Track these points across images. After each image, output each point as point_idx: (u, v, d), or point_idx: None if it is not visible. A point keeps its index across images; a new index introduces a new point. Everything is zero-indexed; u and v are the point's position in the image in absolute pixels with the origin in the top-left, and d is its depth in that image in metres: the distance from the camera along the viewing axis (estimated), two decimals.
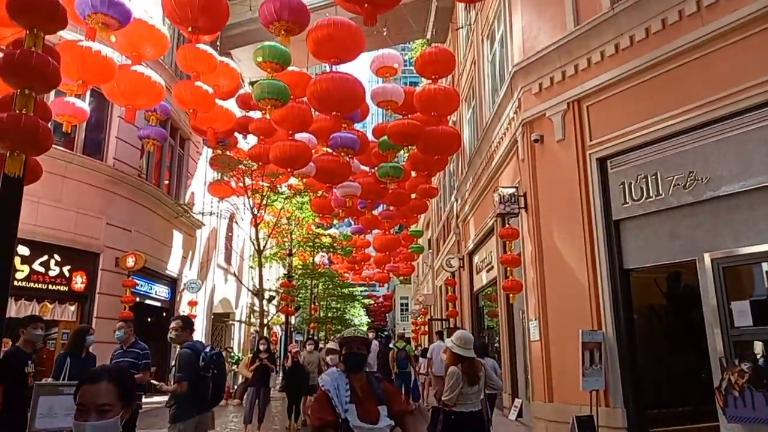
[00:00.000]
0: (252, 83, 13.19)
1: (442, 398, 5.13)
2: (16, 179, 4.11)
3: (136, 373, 6.14)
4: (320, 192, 15.68)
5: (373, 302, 55.04)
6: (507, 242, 9.76)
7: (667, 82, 6.90)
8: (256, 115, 11.64)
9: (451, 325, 17.26)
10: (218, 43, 11.28)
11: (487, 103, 12.65)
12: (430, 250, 26.46)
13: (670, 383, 8.09)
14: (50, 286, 11.63)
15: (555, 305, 8.19)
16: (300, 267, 27.76)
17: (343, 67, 8.57)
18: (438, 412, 5.60)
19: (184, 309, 17.20)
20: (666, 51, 6.82)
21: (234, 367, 17.19)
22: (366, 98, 9.49)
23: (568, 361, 7.45)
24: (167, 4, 6.71)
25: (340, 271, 30.54)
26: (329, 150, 11.40)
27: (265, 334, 16.54)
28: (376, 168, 12.84)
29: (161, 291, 16.01)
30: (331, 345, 7.23)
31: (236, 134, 12.86)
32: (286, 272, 23.19)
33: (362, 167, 13.47)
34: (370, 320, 52.67)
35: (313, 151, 11.37)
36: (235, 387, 16.21)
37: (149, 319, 15.66)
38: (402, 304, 54.99)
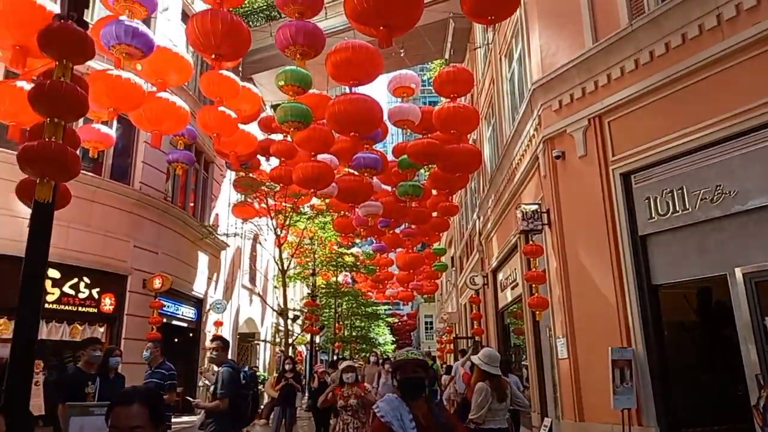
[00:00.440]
0: (273, 107, 13.41)
1: (470, 416, 5.07)
2: (46, 205, 4.23)
3: (162, 393, 6.18)
4: (342, 212, 15.75)
5: (397, 321, 54.79)
6: (531, 259, 9.66)
7: (690, 96, 6.82)
8: (277, 137, 11.82)
9: (481, 344, 17.05)
10: (240, 69, 11.52)
11: (507, 121, 12.64)
12: (454, 268, 26.28)
13: (704, 401, 7.85)
14: (80, 308, 11.84)
15: (582, 322, 8.06)
16: (324, 286, 27.81)
17: (363, 88, 8.67)
18: None
19: (210, 329, 17.34)
20: (687, 65, 6.76)
21: (260, 386, 17.22)
22: (384, 118, 9.57)
23: (598, 379, 7.31)
24: (191, 32, 6.89)
25: (363, 290, 30.49)
26: (351, 170, 11.49)
27: (290, 354, 16.56)
28: (395, 187, 12.88)
29: (188, 312, 16.18)
30: (348, 363, 7.21)
31: (258, 156, 13.05)
32: (309, 292, 23.23)
33: (383, 186, 13.53)
34: (394, 339, 52.34)
35: (335, 171, 11.49)
36: (261, 407, 16.22)
37: (176, 340, 15.82)
38: (426, 323, 54.58)
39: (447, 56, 19.16)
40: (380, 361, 13.71)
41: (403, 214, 13.91)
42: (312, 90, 9.58)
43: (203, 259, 17.18)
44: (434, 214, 14.82)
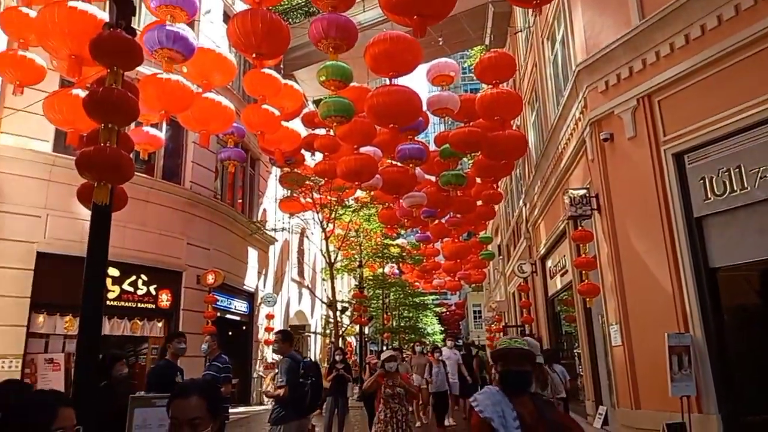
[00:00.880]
0: (315, 102, 13.54)
1: None
2: (104, 207, 4.43)
3: (219, 385, 6.39)
4: (387, 204, 15.81)
5: (445, 310, 54.64)
6: (581, 245, 9.46)
7: (745, 70, 6.50)
8: (320, 132, 11.95)
9: (527, 332, 16.87)
10: (282, 67, 11.68)
11: (552, 105, 12.37)
12: (501, 257, 25.99)
13: None
14: (139, 305, 12.36)
15: (636, 308, 7.85)
16: (371, 278, 28.02)
17: (404, 78, 8.64)
18: None
19: (262, 322, 17.79)
20: (741, 38, 6.44)
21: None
22: (422, 108, 9.52)
23: (654, 366, 7.11)
24: (232, 32, 7.04)
25: (410, 280, 30.56)
26: (394, 162, 11.50)
27: (340, 345, 16.80)
28: (438, 177, 12.82)
29: (240, 305, 16.63)
30: (390, 352, 7.34)
31: (303, 152, 13.23)
32: (357, 283, 23.47)
33: (426, 176, 13.49)
34: (443, 329, 52.29)
35: (378, 163, 11.52)
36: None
37: (230, 333, 16.30)
38: (475, 312, 54.24)
39: (487, 42, 18.85)
40: (429, 350, 13.71)
41: (448, 203, 13.83)
42: (352, 83, 9.63)
43: (253, 254, 17.60)
44: (479, 202, 14.67)
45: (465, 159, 13.55)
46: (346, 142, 10.21)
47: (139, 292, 12.39)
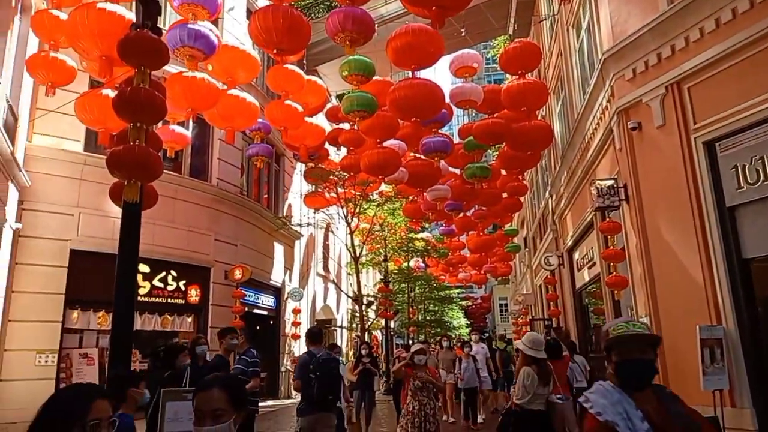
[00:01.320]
0: (339, 96, 13.57)
1: (516, 399, 5.20)
2: (134, 204, 4.53)
3: (246, 379, 6.48)
4: (411, 197, 15.79)
5: (471, 304, 54.42)
6: (608, 237, 9.32)
7: None
8: (345, 126, 11.98)
9: (554, 325, 16.72)
10: (305, 62, 11.74)
11: (578, 94, 12.18)
12: (527, 249, 25.77)
13: None
14: (169, 300, 12.61)
15: (667, 300, 7.71)
16: (396, 272, 28.06)
17: (426, 70, 8.58)
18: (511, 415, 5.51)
19: (289, 317, 17.98)
20: None
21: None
22: (445, 101, 9.46)
23: (686, 360, 6.97)
24: (253, 29, 7.10)
25: (435, 274, 30.51)
26: (418, 155, 11.48)
27: (366, 339, 16.88)
28: (463, 169, 12.75)
29: (267, 300, 16.82)
30: (419, 345, 7.41)
31: (326, 146, 13.28)
32: (382, 277, 23.53)
33: (450, 169, 13.43)
34: (468, 322, 52.11)
35: (402, 156, 11.52)
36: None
37: (258, 327, 16.51)
38: (501, 305, 53.86)
39: (511, 31, 18.62)
40: (458, 345, 13.61)
41: (473, 196, 13.75)
42: (375, 77, 9.62)
43: (279, 249, 17.77)
44: (504, 194, 14.56)
45: (489, 151, 13.45)
46: (370, 136, 10.23)
47: (169, 288, 12.62)
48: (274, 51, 7.40)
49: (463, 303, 47.69)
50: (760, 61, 6.53)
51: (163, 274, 12.51)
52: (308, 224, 19.10)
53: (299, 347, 17.90)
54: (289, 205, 19.29)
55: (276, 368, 17.20)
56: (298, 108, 8.84)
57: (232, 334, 6.51)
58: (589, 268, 12.82)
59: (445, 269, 26.77)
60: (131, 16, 6.30)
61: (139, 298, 11.48)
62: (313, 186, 17.01)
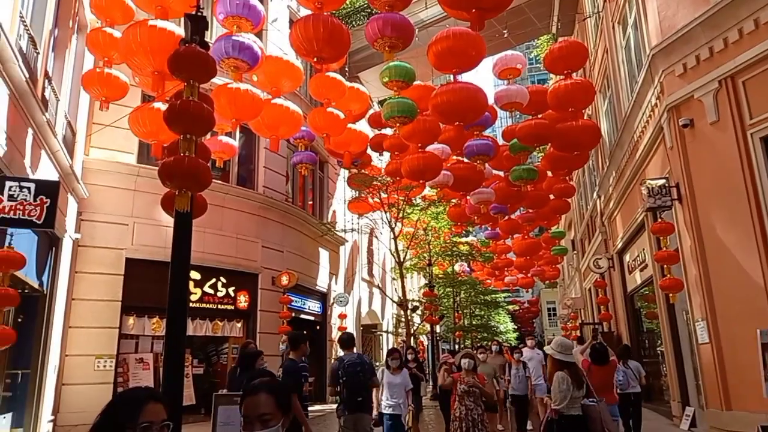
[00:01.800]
0: (380, 102, 13.64)
1: (554, 405, 5.11)
2: (185, 214, 4.67)
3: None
4: (454, 201, 15.70)
5: (518, 308, 53.54)
6: (661, 238, 9.02)
7: None
8: (388, 132, 12.03)
9: (605, 330, 16.27)
10: (347, 69, 11.85)
11: (625, 92, 11.86)
12: (575, 252, 25.19)
13: None
14: (219, 306, 12.91)
15: (724, 303, 7.40)
16: (441, 276, 27.90)
17: (468, 72, 8.54)
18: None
19: (335, 322, 18.13)
20: None
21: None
22: (489, 103, 9.36)
23: (746, 365, 6.68)
24: (295, 38, 7.24)
25: (481, 278, 30.18)
26: (461, 158, 11.41)
27: (412, 344, 16.84)
28: (508, 172, 12.58)
29: (313, 306, 17.02)
30: (467, 350, 7.44)
31: (369, 152, 13.37)
32: (427, 282, 23.46)
33: (495, 172, 13.28)
34: (515, 327, 51.28)
35: (446, 160, 11.48)
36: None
37: (305, 332, 16.68)
38: (549, 309, 52.78)
39: (554, 30, 18.31)
40: (507, 349, 13.29)
41: (518, 198, 13.56)
42: (417, 81, 9.63)
43: (324, 255, 17.96)
44: (551, 196, 14.29)
45: (534, 152, 13.24)
46: (411, 141, 10.23)
47: (219, 294, 12.92)
48: (315, 60, 7.52)
49: (510, 307, 46.94)
50: None
51: (213, 280, 12.82)
52: (352, 230, 19.24)
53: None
54: (334, 212, 19.49)
55: (323, 373, 17.35)
56: (340, 115, 8.94)
57: (305, 340, 6.74)
58: (641, 270, 12.44)
59: (490, 273, 26.47)
60: (180, 31, 6.53)
61: (191, 304, 11.79)
62: (357, 192, 17.13)
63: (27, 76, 6.92)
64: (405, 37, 7.37)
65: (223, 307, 12.98)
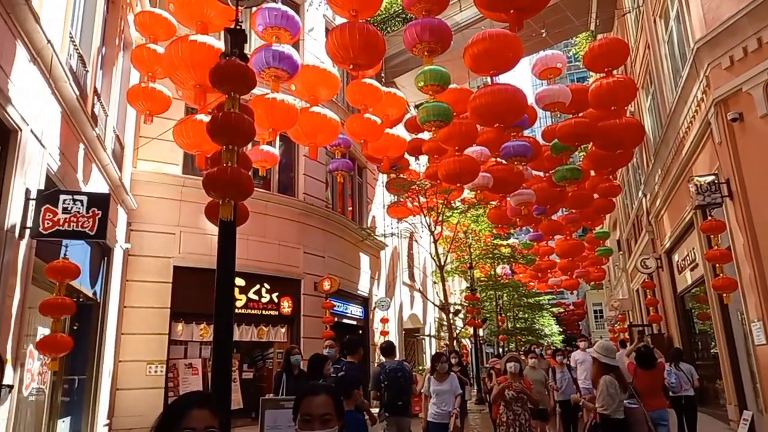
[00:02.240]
0: (417, 107, 13.65)
1: (602, 409, 5.04)
2: (229, 222, 4.79)
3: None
4: (494, 203, 15.55)
5: (563, 310, 52.46)
6: (711, 236, 8.70)
7: None
8: (425, 136, 12.03)
9: (655, 332, 15.80)
10: (383, 75, 11.93)
11: (669, 87, 11.53)
12: (621, 252, 24.55)
13: None
14: (263, 312, 13.13)
15: None
16: (482, 279, 27.62)
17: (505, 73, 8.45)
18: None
19: (377, 326, 18.19)
20: None
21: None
22: (528, 104, 9.25)
23: None
24: (331, 46, 7.34)
25: (523, 280, 29.75)
26: (500, 160, 11.30)
27: (455, 348, 16.73)
28: (551, 172, 12.38)
29: (356, 310, 17.12)
30: (512, 353, 7.39)
31: (406, 156, 13.39)
32: (468, 285, 23.27)
33: (535, 173, 13.10)
34: (561, 329, 50.25)
35: (484, 162, 11.39)
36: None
37: (347, 337, 16.80)
38: (595, 311, 51.60)
39: (592, 27, 17.95)
40: (550, 353, 12.88)
41: (560, 199, 13.33)
42: (453, 84, 9.60)
43: (365, 260, 18.06)
44: (595, 195, 13.98)
45: (576, 152, 12.98)
46: (448, 144, 10.20)
47: (263, 300, 13.15)
48: (351, 67, 7.60)
49: (555, 310, 46.02)
50: None
51: (258, 287, 13.05)
52: (392, 234, 19.28)
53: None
54: (373, 216, 19.58)
55: (366, 377, 17.40)
56: (377, 120, 9.00)
57: (360, 348, 7.10)
58: (692, 270, 12.04)
59: (533, 275, 26.07)
60: (220, 45, 6.71)
61: (236, 310, 12.04)
62: (396, 196, 17.17)
63: (77, 93, 7.23)
64: (443, 41, 7.37)
65: (267, 312, 13.19)
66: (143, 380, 10.75)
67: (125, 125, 10.96)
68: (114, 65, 9.85)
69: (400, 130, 11.49)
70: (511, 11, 6.03)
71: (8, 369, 5.73)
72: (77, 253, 7.48)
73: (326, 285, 14.33)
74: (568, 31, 18.75)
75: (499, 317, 30.37)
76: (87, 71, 8.24)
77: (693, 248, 11.51)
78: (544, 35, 10.90)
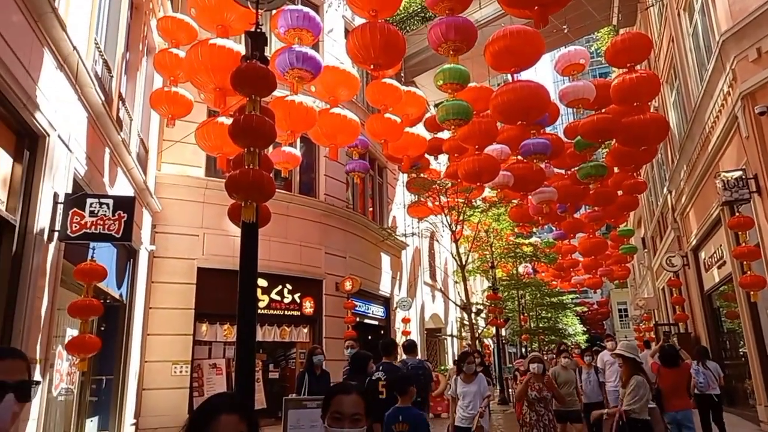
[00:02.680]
0: (436, 106, 13.63)
1: (631, 407, 4.98)
2: (252, 224, 4.84)
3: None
4: (515, 201, 15.43)
5: (587, 310, 51.84)
6: (739, 233, 8.52)
7: None
8: (445, 135, 11.99)
9: (681, 331, 15.52)
10: (402, 74, 11.93)
11: (694, 81, 11.31)
12: (646, 250, 24.16)
13: None
14: (286, 312, 13.22)
15: None
16: (504, 278, 27.43)
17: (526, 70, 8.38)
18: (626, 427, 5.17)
19: (398, 326, 18.18)
20: None
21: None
22: (551, 101, 9.15)
23: None
24: (351, 47, 7.36)
25: (546, 279, 29.45)
26: (521, 158, 11.21)
27: (477, 347, 16.64)
28: (575, 169, 12.23)
29: (377, 310, 17.14)
30: (535, 353, 7.30)
31: (426, 156, 13.36)
32: (490, 284, 23.12)
33: (556, 171, 12.96)
34: (585, 329, 49.65)
35: (505, 160, 11.31)
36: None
37: (369, 337, 16.85)
38: (620, 310, 50.93)
39: (615, 22, 17.69)
40: (578, 353, 12.42)
41: (583, 196, 13.16)
42: (473, 83, 9.55)
43: (386, 260, 18.07)
44: (619, 192, 13.78)
45: (599, 149, 12.82)
46: (467, 143, 10.15)
47: (285, 301, 13.23)
48: (372, 67, 7.62)
49: (578, 309, 45.48)
50: None
51: (280, 287, 13.14)
52: (413, 234, 19.25)
53: None
54: (394, 216, 19.58)
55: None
56: (396, 120, 9.00)
57: (396, 346, 7.01)
58: (719, 267, 11.80)
59: (556, 274, 25.80)
60: (240, 48, 6.77)
61: (259, 311, 12.14)
62: (416, 196, 17.14)
63: (103, 98, 7.37)
64: (469, 39, 7.36)
65: (290, 313, 13.27)
66: (169, 380, 10.91)
67: (149, 129, 11.14)
68: (138, 70, 10.01)
69: (419, 130, 11.47)
70: (535, 7, 5.98)
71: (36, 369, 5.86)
72: (104, 255, 7.62)
73: (348, 285, 14.37)
74: (589, 27, 18.49)
75: (522, 317, 30.11)
76: (112, 76, 8.39)
77: (720, 245, 11.29)
78: (565, 31, 10.76)
